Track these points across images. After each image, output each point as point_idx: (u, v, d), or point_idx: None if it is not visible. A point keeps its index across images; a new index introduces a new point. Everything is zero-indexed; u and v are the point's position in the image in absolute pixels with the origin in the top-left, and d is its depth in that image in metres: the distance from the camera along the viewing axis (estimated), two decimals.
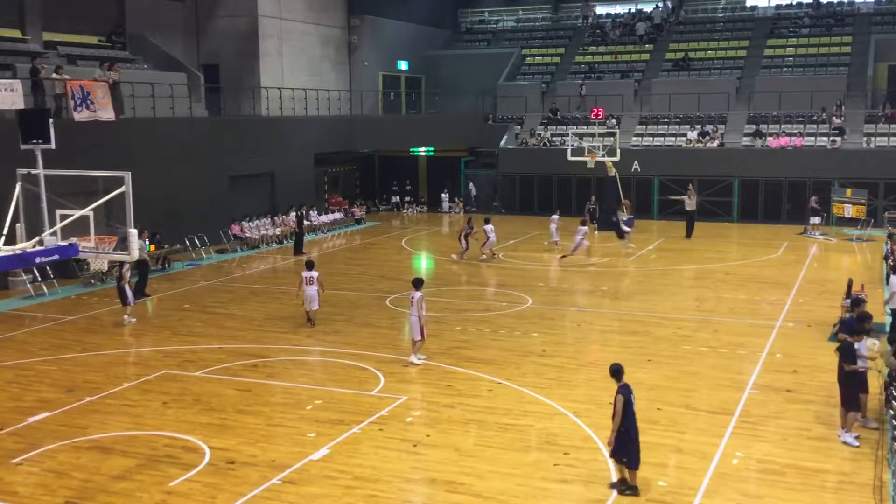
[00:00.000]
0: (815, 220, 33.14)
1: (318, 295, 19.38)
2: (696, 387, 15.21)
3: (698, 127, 39.34)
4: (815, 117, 38.16)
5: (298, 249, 30.06)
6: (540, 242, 32.03)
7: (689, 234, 32.01)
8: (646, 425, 13.34)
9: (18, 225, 11.37)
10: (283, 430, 13.27)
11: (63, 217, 11.39)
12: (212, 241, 29.85)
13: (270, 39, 37.22)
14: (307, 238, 33.28)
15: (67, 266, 23.49)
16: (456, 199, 41.98)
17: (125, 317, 20.24)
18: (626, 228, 30.13)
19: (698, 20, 48.36)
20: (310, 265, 19.65)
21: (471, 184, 42.74)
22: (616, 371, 11.08)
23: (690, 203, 32.13)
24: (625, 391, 10.82)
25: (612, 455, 11.05)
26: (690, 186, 33.17)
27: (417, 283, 16.89)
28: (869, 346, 13.72)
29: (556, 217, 30.64)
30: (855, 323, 13.69)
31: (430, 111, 45.53)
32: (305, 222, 34.22)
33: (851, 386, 12.69)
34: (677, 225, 34.72)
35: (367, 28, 43.41)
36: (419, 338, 16.58)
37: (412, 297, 16.55)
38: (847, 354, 12.76)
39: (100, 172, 11.91)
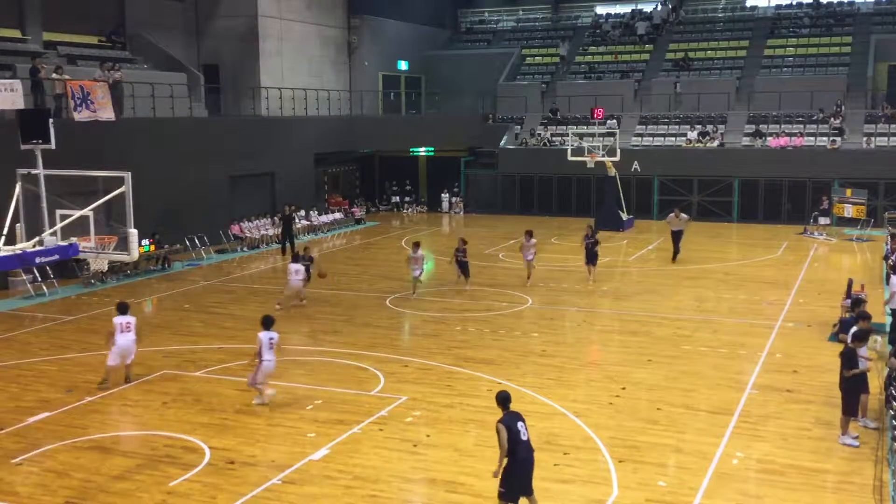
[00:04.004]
0: (825, 220, 33.17)
1: (134, 346, 15.52)
2: (696, 387, 15.21)
3: (698, 127, 39.34)
4: (815, 117, 38.15)
5: (291, 251, 29.87)
6: (541, 242, 31.96)
7: (674, 257, 27.67)
8: (646, 425, 13.40)
9: (18, 225, 11.38)
10: (283, 430, 13.27)
11: (63, 217, 11.42)
12: (212, 241, 29.84)
13: (270, 39, 37.21)
14: (306, 238, 33.30)
15: (67, 266, 23.50)
16: (455, 200, 42.03)
17: None
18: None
19: (698, 20, 48.35)
20: (123, 308, 15.73)
21: (390, 183, 43.22)
22: (503, 400, 10.06)
23: (677, 223, 27.80)
24: (506, 420, 9.76)
25: (508, 497, 9.82)
26: (676, 209, 28.65)
27: (269, 323, 14.42)
28: (870, 344, 13.72)
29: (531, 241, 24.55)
30: (857, 325, 13.66)
31: (430, 111, 45.52)
32: (304, 222, 34.21)
33: (851, 392, 12.68)
34: None
35: (367, 28, 43.41)
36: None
37: (272, 340, 14.24)
38: (848, 360, 12.73)
39: (100, 172, 11.93)
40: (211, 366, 16.65)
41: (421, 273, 22.90)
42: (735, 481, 11.42)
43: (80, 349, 17.93)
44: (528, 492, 9.94)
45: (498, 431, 9.72)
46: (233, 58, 36.44)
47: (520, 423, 9.82)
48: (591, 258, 24.25)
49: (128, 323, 15.42)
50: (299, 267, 21.47)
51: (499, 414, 10.05)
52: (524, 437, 9.78)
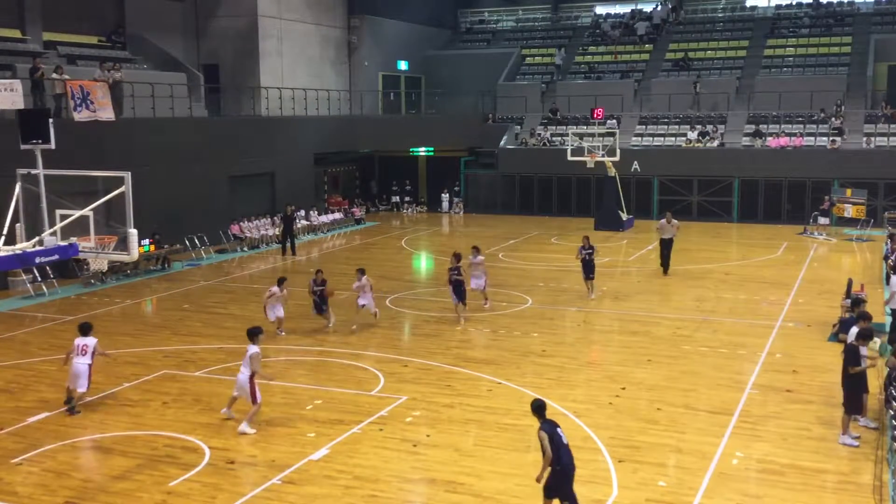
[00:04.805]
0: (825, 220, 33.18)
1: (88, 371, 14.01)
2: (696, 387, 15.22)
3: (698, 127, 39.34)
4: (815, 117, 38.16)
5: (291, 251, 29.94)
6: (541, 242, 32.02)
7: (665, 269, 25.48)
8: (646, 425, 13.40)
9: (18, 225, 11.38)
10: (283, 430, 13.27)
11: (63, 217, 11.41)
12: (212, 241, 29.84)
13: (270, 39, 37.22)
14: (305, 238, 33.32)
15: (67, 266, 23.50)
16: (455, 200, 42.03)
17: None
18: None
19: (698, 20, 48.36)
20: (85, 329, 14.38)
21: (372, 182, 43.13)
22: (538, 408, 10.02)
23: (668, 230, 25.38)
24: (547, 428, 9.79)
25: (547, 495, 9.93)
26: (668, 213, 26.57)
27: (250, 335, 13.57)
28: (870, 345, 13.72)
29: (479, 258, 21.12)
30: (858, 325, 13.68)
31: (430, 111, 45.52)
32: (304, 222, 34.21)
33: (855, 389, 12.70)
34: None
35: (367, 28, 43.41)
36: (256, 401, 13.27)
37: (248, 353, 13.32)
38: (852, 358, 12.75)
39: (100, 172, 11.94)
40: (211, 366, 16.65)
41: (367, 304, 19.41)
42: (735, 481, 11.42)
43: None
44: (570, 497, 9.87)
45: (541, 440, 9.72)
46: (233, 58, 36.45)
47: (558, 430, 9.85)
48: (589, 271, 22.23)
49: (84, 346, 14.09)
50: (277, 291, 18.76)
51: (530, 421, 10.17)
52: (565, 442, 9.81)
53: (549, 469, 9.74)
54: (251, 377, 13.16)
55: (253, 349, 13.26)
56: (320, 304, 19.45)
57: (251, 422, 13.17)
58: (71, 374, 14.15)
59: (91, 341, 14.18)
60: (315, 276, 19.80)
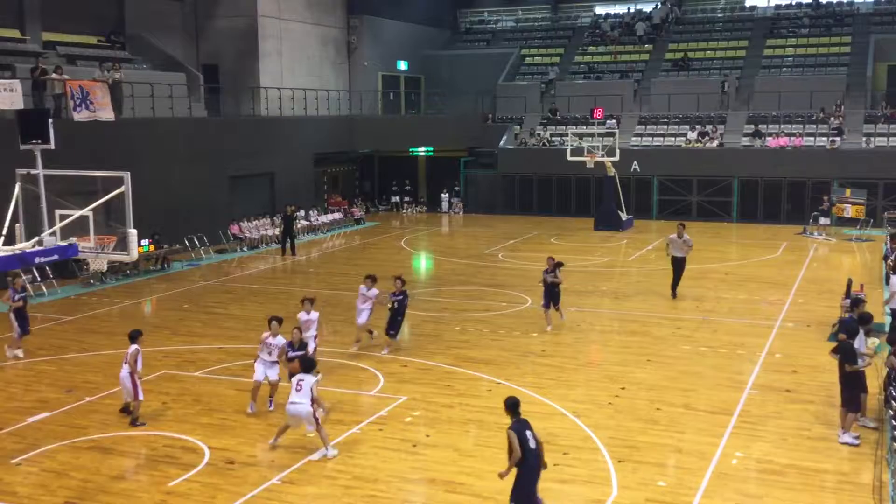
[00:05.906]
0: (825, 220, 33.17)
1: (129, 380, 13.44)
2: (696, 387, 15.22)
3: (698, 127, 39.34)
4: (814, 117, 38.17)
5: (291, 251, 29.92)
6: (541, 242, 32.01)
7: (673, 293, 22.31)
8: (646, 425, 13.40)
9: (18, 225, 11.38)
10: None
11: (63, 217, 11.41)
12: (211, 241, 29.83)
13: (270, 39, 37.22)
14: (305, 238, 33.31)
15: (67, 266, 23.51)
16: (454, 200, 42.01)
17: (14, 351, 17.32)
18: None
19: (698, 20, 48.35)
20: (129, 336, 13.72)
21: (366, 182, 42.98)
22: (512, 405, 9.86)
23: (679, 247, 22.21)
24: (517, 427, 9.62)
25: (513, 498, 9.72)
26: (680, 226, 22.77)
27: (304, 365, 12.34)
28: (869, 344, 13.75)
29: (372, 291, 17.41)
30: (852, 323, 13.71)
31: (430, 111, 45.52)
32: (304, 222, 34.22)
33: (852, 387, 12.71)
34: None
35: (367, 28, 43.42)
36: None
37: (300, 381, 12.09)
38: (847, 354, 12.77)
39: (100, 172, 11.93)
40: (211, 366, 16.65)
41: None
42: (734, 481, 11.43)
43: (79, 349, 17.93)
44: (534, 500, 9.81)
45: (509, 438, 9.61)
46: (233, 58, 36.44)
47: (528, 432, 9.69)
48: (552, 298, 19.22)
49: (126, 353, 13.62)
50: (277, 342, 14.15)
51: (503, 418, 10.01)
52: (532, 445, 9.64)
53: (514, 471, 9.63)
54: (312, 405, 12.10)
55: (311, 379, 12.12)
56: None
57: (328, 443, 12.29)
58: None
59: (130, 349, 13.47)
60: (299, 341, 14.58)
